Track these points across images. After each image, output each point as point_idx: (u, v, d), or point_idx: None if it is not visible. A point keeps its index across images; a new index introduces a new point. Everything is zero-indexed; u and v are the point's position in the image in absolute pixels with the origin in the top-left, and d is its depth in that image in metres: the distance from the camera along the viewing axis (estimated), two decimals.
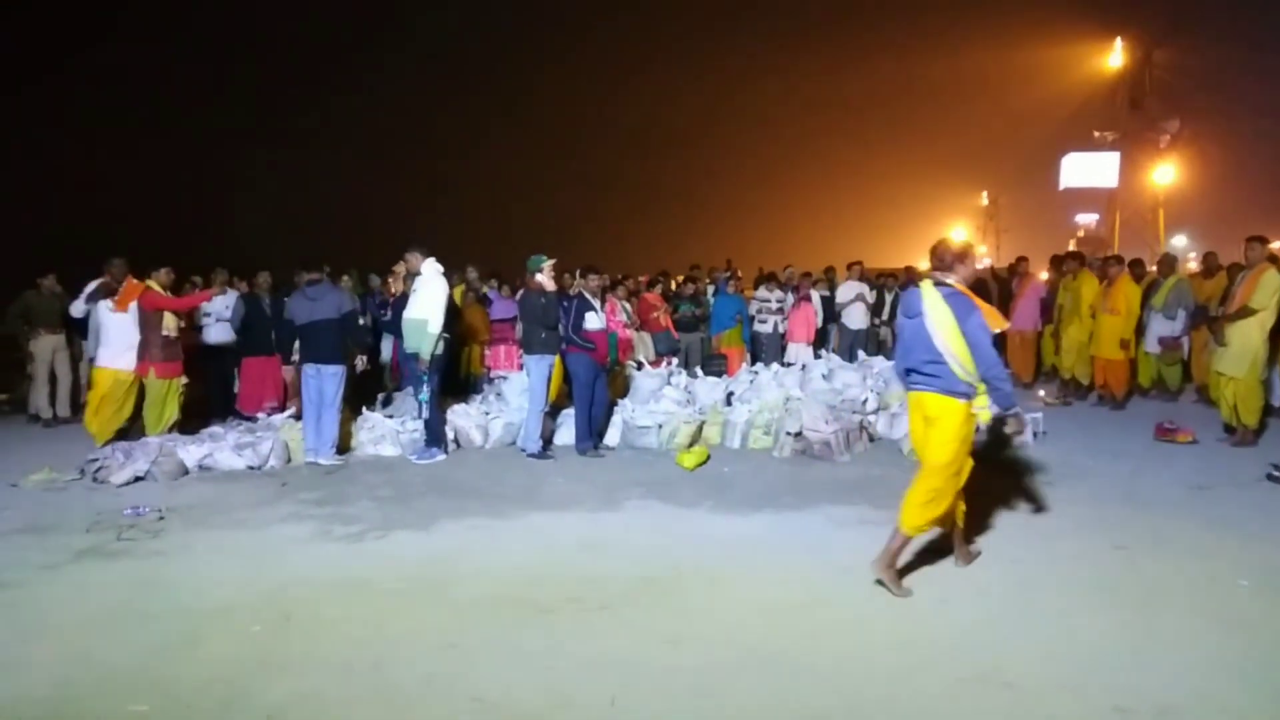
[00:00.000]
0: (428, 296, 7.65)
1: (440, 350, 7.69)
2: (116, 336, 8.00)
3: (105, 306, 8.04)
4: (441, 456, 7.70)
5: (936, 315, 4.31)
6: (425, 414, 7.65)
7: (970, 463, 4.47)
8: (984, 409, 4.33)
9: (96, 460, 7.07)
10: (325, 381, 7.60)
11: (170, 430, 8.08)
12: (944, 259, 4.47)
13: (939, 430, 4.35)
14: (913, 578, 4.60)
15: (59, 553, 5.21)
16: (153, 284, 8.27)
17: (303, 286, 8.01)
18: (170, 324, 8.19)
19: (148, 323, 8.07)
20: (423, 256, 7.85)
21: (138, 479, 6.90)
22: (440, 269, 7.88)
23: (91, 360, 8.52)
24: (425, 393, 7.59)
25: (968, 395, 4.31)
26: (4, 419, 10.50)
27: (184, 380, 8.36)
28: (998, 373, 4.28)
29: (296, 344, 7.97)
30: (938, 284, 4.43)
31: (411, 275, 8.01)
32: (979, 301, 4.37)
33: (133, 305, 8.02)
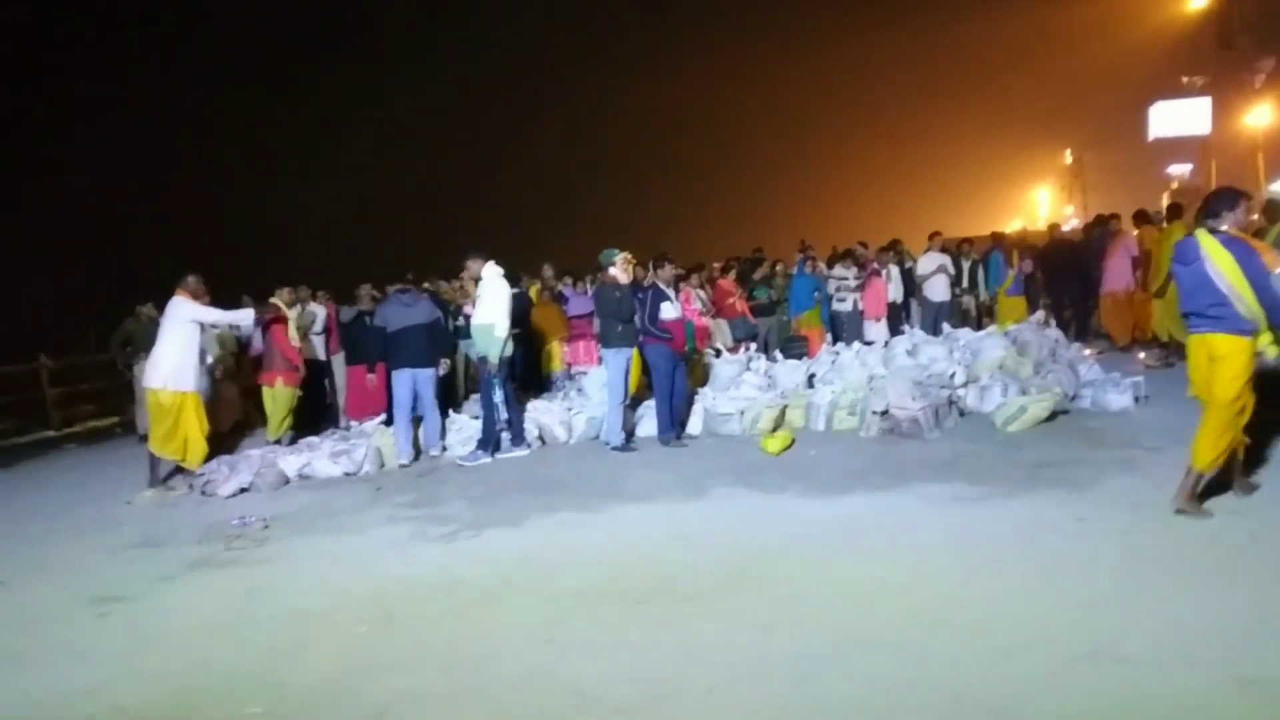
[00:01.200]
0: (491, 300, 7.74)
1: (509, 352, 7.78)
2: (184, 356, 7.48)
3: (181, 326, 7.50)
4: (487, 460, 7.71)
5: (1219, 260, 4.62)
6: (504, 414, 7.75)
7: (1252, 398, 4.70)
8: (1271, 345, 4.64)
9: (204, 475, 7.41)
10: (422, 384, 7.89)
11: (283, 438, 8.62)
12: (1213, 208, 4.82)
13: (1225, 368, 4.64)
14: (1012, 555, 4.47)
15: (173, 564, 5.47)
16: (277, 302, 8.78)
17: (394, 294, 8.30)
18: (293, 336, 8.75)
19: (277, 336, 8.69)
20: (482, 261, 7.91)
21: (242, 490, 7.20)
22: (501, 271, 7.92)
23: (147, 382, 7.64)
24: (499, 394, 7.68)
25: (1252, 332, 4.60)
26: (117, 440, 11.08)
27: (300, 393, 8.82)
28: None
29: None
30: (1213, 231, 4.74)
31: (475, 281, 8.09)
32: (1256, 244, 4.71)
33: (193, 325, 7.61)
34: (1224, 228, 4.74)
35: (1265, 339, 4.61)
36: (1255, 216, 11.41)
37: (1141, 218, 11.19)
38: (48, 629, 4.61)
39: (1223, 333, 4.67)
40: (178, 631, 4.42)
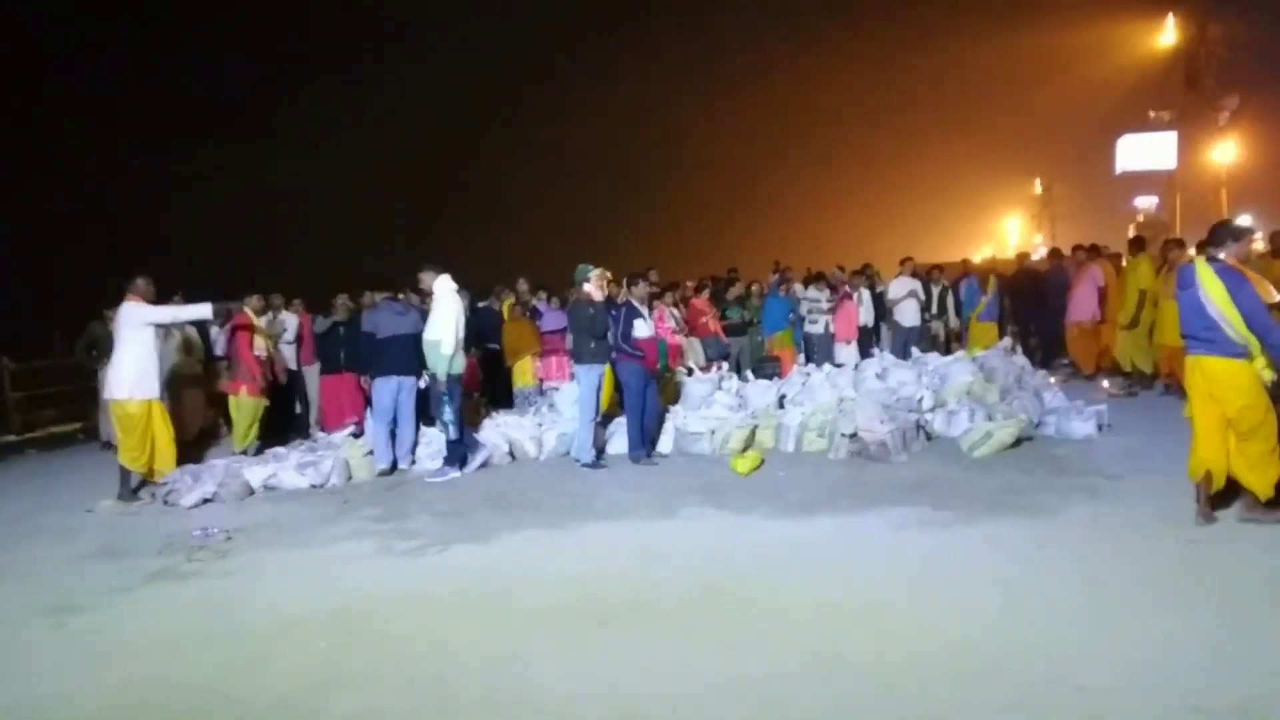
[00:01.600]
0: (440, 317, 7.65)
1: (457, 369, 7.73)
2: (147, 362, 7.30)
3: (137, 331, 7.28)
4: (456, 475, 7.65)
5: (1210, 287, 4.92)
6: (452, 434, 7.68)
7: (1274, 413, 4.87)
8: (1265, 369, 4.84)
9: (166, 484, 7.30)
10: (406, 393, 7.95)
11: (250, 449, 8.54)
12: (1218, 238, 5.13)
13: (1234, 395, 4.87)
14: (975, 579, 4.52)
15: (133, 575, 5.38)
16: (247, 309, 8.70)
17: (385, 301, 8.36)
18: (261, 345, 8.67)
19: (241, 345, 8.60)
20: (435, 274, 7.81)
21: (206, 501, 7.10)
22: (454, 287, 7.82)
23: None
24: (449, 413, 7.64)
25: (1245, 355, 4.85)
26: (79, 447, 10.89)
27: (266, 402, 8.73)
28: (1275, 338, 4.79)
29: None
30: (1210, 259, 5.03)
31: (425, 295, 8.01)
32: (1250, 275, 4.93)
33: (149, 329, 7.39)
34: (1222, 256, 5.01)
35: (1260, 363, 4.85)
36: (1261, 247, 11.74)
37: (1094, 252, 11.58)
38: (1, 639, 4.51)
39: (1215, 355, 4.94)
40: (135, 644, 4.34)
